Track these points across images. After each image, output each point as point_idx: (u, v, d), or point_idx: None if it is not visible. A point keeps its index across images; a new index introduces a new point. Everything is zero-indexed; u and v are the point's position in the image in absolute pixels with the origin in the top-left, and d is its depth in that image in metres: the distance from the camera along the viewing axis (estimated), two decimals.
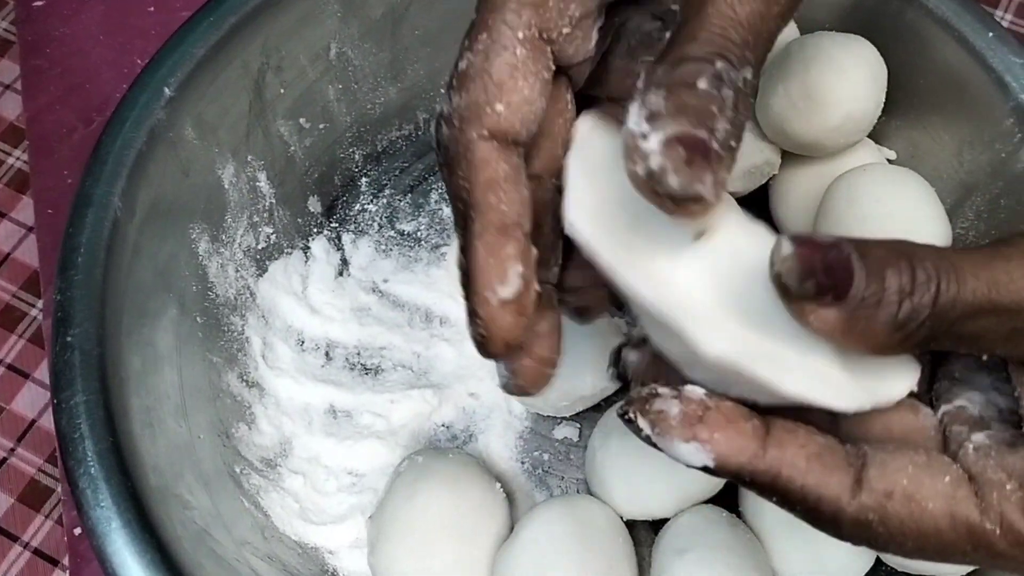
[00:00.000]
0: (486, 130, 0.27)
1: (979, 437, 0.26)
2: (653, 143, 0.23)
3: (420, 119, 0.57)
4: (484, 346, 0.28)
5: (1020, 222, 0.46)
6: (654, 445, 0.26)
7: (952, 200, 0.49)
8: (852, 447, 0.26)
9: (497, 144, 0.27)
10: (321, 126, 0.53)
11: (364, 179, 0.56)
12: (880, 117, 0.49)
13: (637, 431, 0.26)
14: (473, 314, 0.28)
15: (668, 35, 0.26)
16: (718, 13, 0.25)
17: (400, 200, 0.55)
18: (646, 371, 0.30)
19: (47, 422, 0.52)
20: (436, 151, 0.29)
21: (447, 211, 0.55)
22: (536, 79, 0.28)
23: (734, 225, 0.28)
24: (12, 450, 0.52)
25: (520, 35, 0.27)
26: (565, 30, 0.28)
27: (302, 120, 0.52)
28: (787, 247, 0.24)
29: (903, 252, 0.24)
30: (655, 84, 0.24)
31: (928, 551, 0.25)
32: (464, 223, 0.28)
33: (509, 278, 0.28)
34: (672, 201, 0.24)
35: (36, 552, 0.50)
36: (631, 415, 0.27)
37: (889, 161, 0.51)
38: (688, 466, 0.26)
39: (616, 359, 0.31)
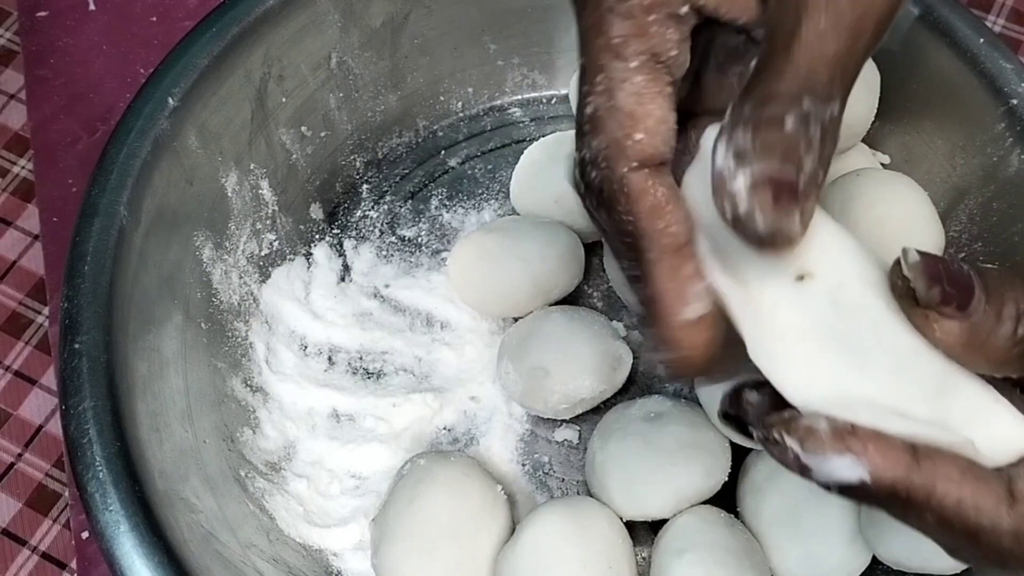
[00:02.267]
0: (634, 161, 0.27)
1: None
2: (740, 183, 0.24)
3: (420, 126, 0.58)
4: (681, 371, 0.28)
5: (1012, 225, 0.47)
6: (801, 468, 0.25)
7: (945, 204, 0.49)
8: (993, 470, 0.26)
9: (648, 171, 0.27)
10: (322, 134, 0.54)
11: (365, 186, 0.56)
12: (873, 122, 0.50)
13: (782, 453, 0.26)
14: (664, 341, 0.28)
15: (753, 50, 0.27)
16: (806, 51, 0.25)
17: (401, 206, 0.56)
18: (769, 414, 0.29)
19: (54, 427, 0.53)
20: (585, 197, 0.29)
21: (447, 217, 0.55)
22: (662, 98, 0.28)
23: (835, 258, 0.28)
24: (20, 455, 0.53)
25: (633, 64, 0.27)
26: (672, 52, 0.28)
27: (304, 128, 0.53)
28: (914, 255, 0.25)
29: (1013, 275, 0.25)
30: (742, 121, 0.25)
31: None
32: (635, 255, 0.28)
33: (695, 297, 0.27)
34: (759, 239, 0.24)
35: (44, 556, 0.50)
36: (775, 436, 0.26)
37: (883, 165, 0.52)
38: (838, 487, 0.25)
39: (732, 401, 0.30)
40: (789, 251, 0.25)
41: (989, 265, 0.27)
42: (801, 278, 0.27)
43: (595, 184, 0.28)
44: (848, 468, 0.25)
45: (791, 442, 0.25)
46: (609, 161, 0.27)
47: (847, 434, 0.25)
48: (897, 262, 0.26)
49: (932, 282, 0.25)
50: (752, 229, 0.24)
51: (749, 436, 0.30)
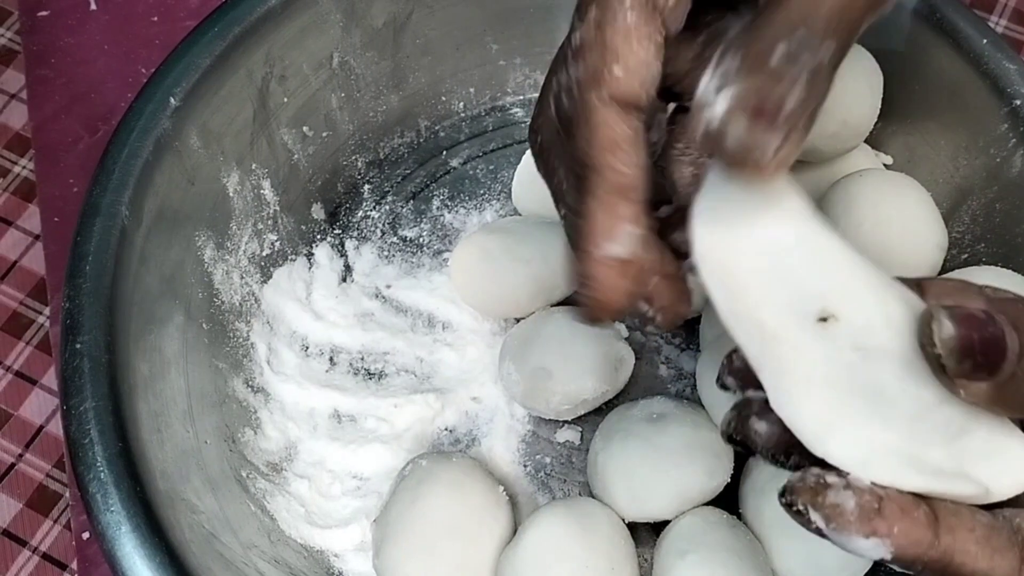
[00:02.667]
0: (606, 94, 0.27)
1: None
2: (720, 104, 0.24)
3: (422, 126, 0.58)
4: (592, 309, 0.28)
5: (1015, 226, 0.46)
6: (825, 536, 0.25)
7: (948, 205, 0.49)
8: (1006, 521, 0.26)
9: (617, 108, 0.27)
10: (324, 134, 0.54)
11: (367, 186, 0.56)
12: (876, 123, 0.50)
13: (807, 523, 0.26)
14: (583, 275, 0.28)
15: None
16: (799, 2, 0.25)
17: (402, 207, 0.56)
18: (777, 444, 0.29)
19: (55, 428, 0.53)
20: (558, 124, 0.29)
21: (448, 217, 0.55)
22: (650, 42, 0.28)
23: (860, 296, 0.27)
24: (20, 456, 0.52)
25: (628, 3, 0.27)
26: (670, 1, 0.28)
27: (305, 128, 0.53)
28: (948, 328, 0.24)
29: None
30: (732, 48, 0.25)
31: None
32: (580, 185, 0.28)
33: (621, 237, 0.27)
34: (730, 155, 0.24)
35: (44, 557, 0.50)
36: (800, 507, 0.26)
37: (886, 166, 0.52)
38: (860, 556, 0.26)
39: (737, 425, 0.30)
40: (758, 178, 0.25)
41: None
42: (824, 320, 0.27)
43: (565, 111, 0.28)
44: (872, 548, 0.25)
45: (816, 517, 0.25)
46: (582, 89, 0.27)
47: (874, 515, 0.25)
48: (927, 322, 0.25)
49: (964, 356, 0.24)
50: (722, 143, 0.24)
51: (752, 454, 0.30)
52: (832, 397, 0.27)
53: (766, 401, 0.28)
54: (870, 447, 0.26)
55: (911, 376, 0.26)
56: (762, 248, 0.27)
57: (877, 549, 0.25)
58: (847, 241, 0.28)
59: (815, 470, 0.26)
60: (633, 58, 0.27)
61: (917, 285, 0.28)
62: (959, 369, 0.25)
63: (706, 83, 0.25)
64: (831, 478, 0.25)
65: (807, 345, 0.27)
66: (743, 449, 0.30)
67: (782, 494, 0.26)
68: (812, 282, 0.27)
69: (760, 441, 0.29)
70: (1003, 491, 0.26)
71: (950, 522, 0.25)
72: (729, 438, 0.30)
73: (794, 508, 0.26)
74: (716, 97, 0.24)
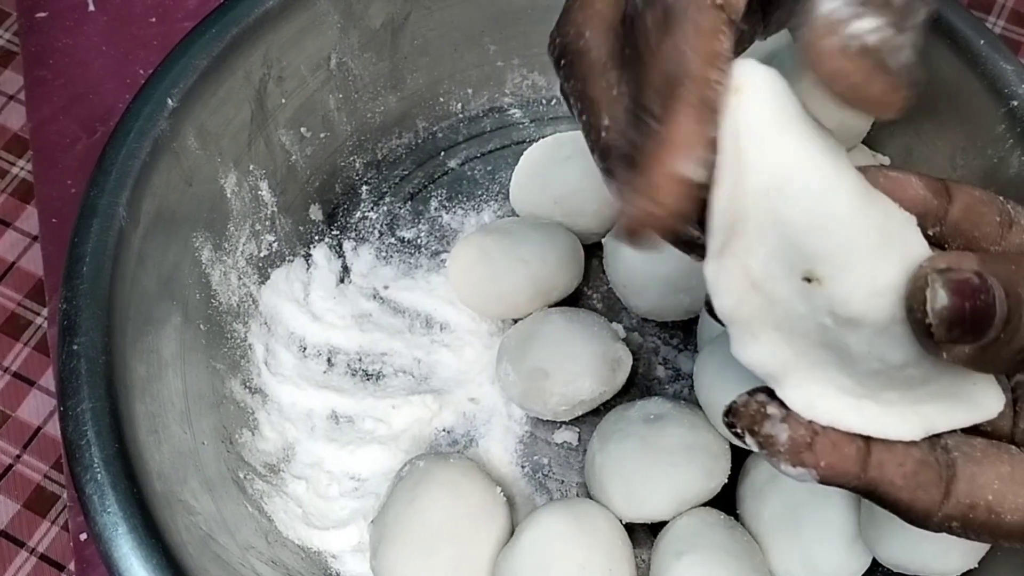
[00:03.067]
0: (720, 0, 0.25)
1: None
2: (871, 20, 0.23)
3: (420, 127, 0.58)
4: (643, 224, 0.26)
5: None
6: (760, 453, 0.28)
7: None
8: (944, 456, 0.27)
9: (724, 18, 0.25)
10: (322, 135, 0.54)
11: (364, 187, 0.56)
12: (874, 123, 0.50)
13: (742, 443, 0.28)
14: (648, 187, 0.25)
15: None
16: None
17: (400, 208, 0.56)
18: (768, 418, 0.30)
19: (52, 429, 0.53)
20: (645, 14, 0.26)
21: (446, 218, 0.55)
22: None
23: (848, 264, 0.27)
24: (18, 457, 0.53)
25: None
26: None
27: (303, 129, 0.53)
28: (943, 299, 0.25)
29: None
30: None
31: (999, 545, 0.28)
32: (666, 90, 0.25)
33: (702, 155, 0.25)
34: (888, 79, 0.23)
35: (42, 558, 0.50)
36: (738, 431, 0.28)
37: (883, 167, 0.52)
38: (788, 476, 0.27)
39: (755, 416, 0.30)
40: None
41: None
42: (808, 280, 0.27)
43: (669, 3, 0.26)
44: (799, 475, 0.27)
45: (750, 441, 0.27)
46: None
47: (804, 449, 0.27)
48: (920, 287, 0.25)
49: (954, 326, 0.25)
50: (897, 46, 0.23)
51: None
52: (797, 345, 0.27)
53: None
54: (822, 390, 0.27)
55: (882, 343, 0.27)
56: (779, 177, 0.26)
57: (803, 477, 0.27)
58: (865, 188, 0.27)
59: (761, 396, 0.27)
60: None
61: (944, 188, 0.29)
62: (947, 336, 0.25)
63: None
64: (772, 409, 0.27)
65: (785, 297, 0.27)
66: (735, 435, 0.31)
67: (726, 413, 0.28)
68: (810, 238, 0.26)
69: (773, 415, 0.30)
70: (951, 426, 0.28)
71: (881, 457, 0.27)
72: (730, 423, 0.31)
73: (733, 429, 0.28)
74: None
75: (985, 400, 0.28)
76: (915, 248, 0.27)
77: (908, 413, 0.28)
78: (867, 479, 0.27)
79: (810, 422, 0.27)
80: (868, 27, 0.23)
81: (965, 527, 0.27)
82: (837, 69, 0.24)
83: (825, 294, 0.26)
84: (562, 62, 0.30)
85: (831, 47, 0.23)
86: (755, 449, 0.27)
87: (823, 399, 0.27)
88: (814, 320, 0.27)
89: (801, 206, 0.26)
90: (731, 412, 0.28)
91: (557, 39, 0.30)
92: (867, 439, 0.27)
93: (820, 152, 0.26)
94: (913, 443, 0.27)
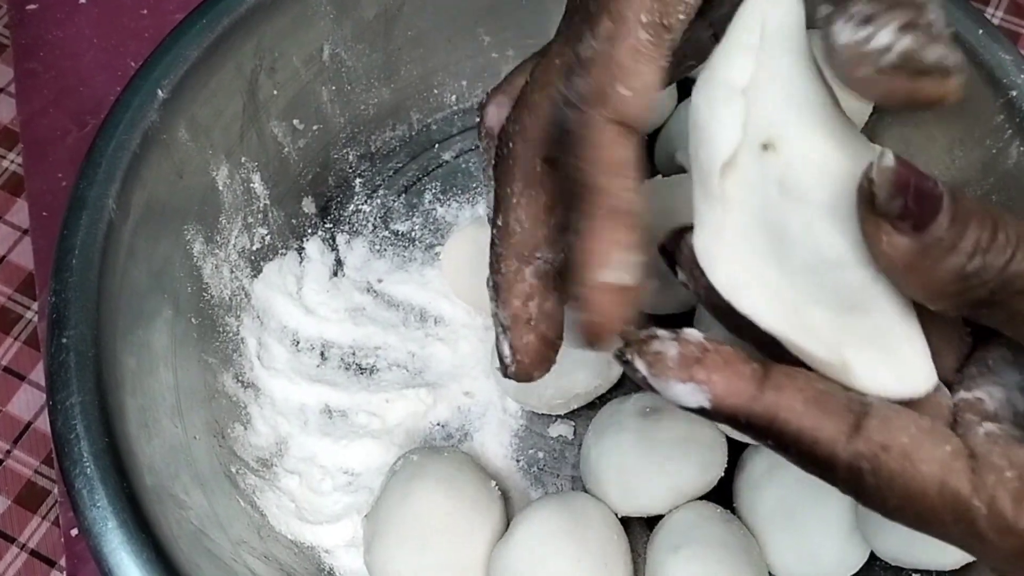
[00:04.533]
0: (610, 113, 0.27)
1: (989, 427, 0.26)
2: (886, 34, 0.23)
3: (413, 119, 0.57)
4: (589, 336, 0.27)
5: None
6: (651, 387, 0.26)
7: None
8: (857, 395, 0.26)
9: (621, 129, 0.27)
10: (315, 127, 0.53)
11: (358, 180, 0.56)
12: (872, 114, 0.49)
13: (633, 371, 0.26)
14: (582, 300, 0.27)
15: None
16: None
17: (394, 200, 0.55)
18: (696, 263, 0.29)
19: (43, 424, 0.52)
20: (555, 134, 0.28)
21: (441, 211, 0.55)
22: (656, 66, 0.27)
23: (809, 134, 0.27)
24: (8, 452, 0.52)
25: (643, 19, 0.27)
26: (680, 17, 0.27)
27: (296, 121, 0.52)
28: (889, 159, 0.24)
29: (991, 211, 0.24)
30: None
31: (909, 513, 0.25)
32: (579, 206, 0.27)
33: (620, 263, 0.26)
34: (931, 76, 0.23)
35: (33, 553, 0.50)
36: (628, 356, 0.26)
37: None
38: (685, 408, 0.26)
39: (674, 239, 0.31)
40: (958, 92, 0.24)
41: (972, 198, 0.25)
42: (766, 147, 0.27)
43: (568, 125, 0.27)
44: (689, 394, 0.25)
45: (640, 364, 0.26)
46: (590, 104, 0.27)
47: (693, 363, 0.25)
48: (870, 162, 0.25)
49: (896, 192, 0.23)
50: (925, 61, 0.23)
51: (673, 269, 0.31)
52: (739, 223, 0.27)
53: None
54: (751, 276, 0.26)
55: (822, 229, 0.26)
56: (746, 58, 0.27)
57: (695, 395, 0.25)
58: (831, 91, 0.27)
59: (653, 328, 0.27)
60: (641, 81, 0.27)
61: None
62: (887, 205, 0.24)
63: (845, 25, 0.24)
64: (662, 332, 0.26)
65: (741, 168, 0.27)
66: (668, 263, 0.31)
67: (618, 352, 0.27)
68: (772, 108, 0.26)
69: (684, 256, 0.30)
70: (869, 386, 0.26)
71: (780, 380, 0.25)
72: (662, 248, 0.31)
73: (623, 358, 0.27)
74: (877, 32, 0.23)
75: (912, 372, 0.26)
76: (870, 158, 0.26)
77: (830, 344, 0.26)
78: (765, 403, 0.25)
79: (702, 340, 0.26)
80: (889, 40, 0.23)
81: (876, 474, 0.24)
82: (883, 91, 0.24)
83: (778, 160, 0.26)
84: (495, 153, 0.31)
85: (867, 75, 0.24)
86: (643, 370, 0.26)
87: (749, 289, 0.26)
88: (763, 192, 0.26)
89: (769, 81, 0.27)
90: (623, 344, 0.27)
91: (486, 114, 0.32)
92: (763, 363, 0.26)
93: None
94: (814, 373, 0.26)
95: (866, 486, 0.25)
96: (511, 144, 0.30)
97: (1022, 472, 0.24)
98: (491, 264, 0.31)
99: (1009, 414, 0.27)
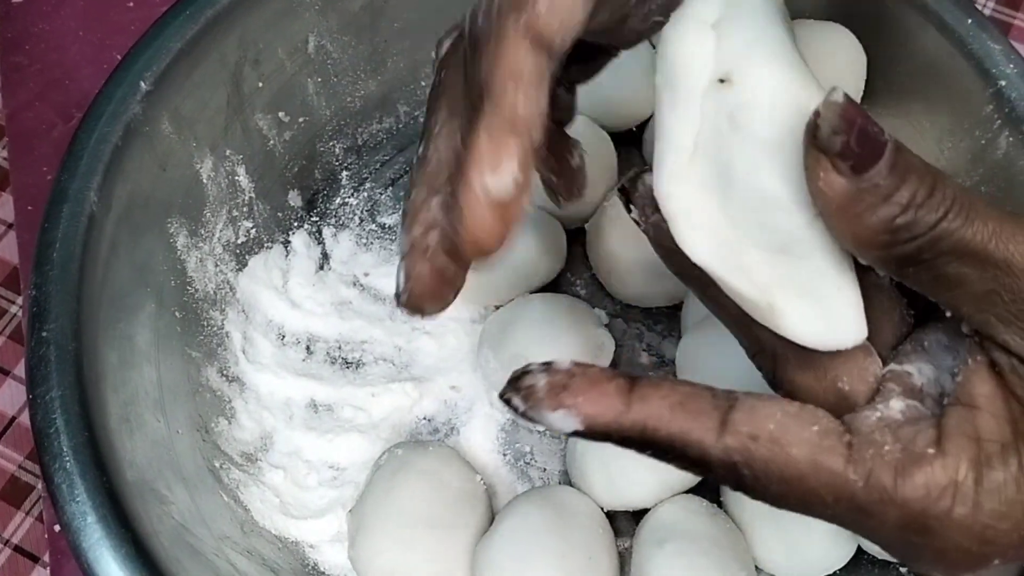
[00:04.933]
0: (523, 24, 0.26)
1: (906, 402, 0.27)
2: None
3: (400, 112, 0.57)
4: (457, 244, 0.26)
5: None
6: (531, 420, 0.26)
7: None
8: (723, 392, 0.26)
9: (530, 44, 0.26)
10: (300, 120, 0.53)
11: (344, 172, 0.56)
12: (860, 105, 0.49)
13: (515, 410, 0.26)
14: (460, 207, 0.26)
15: None
16: None
17: (381, 193, 0.55)
18: (652, 200, 0.29)
19: (26, 419, 0.52)
20: (466, 42, 0.27)
21: None
22: None
23: (763, 71, 0.27)
24: None
25: None
26: None
27: (281, 114, 0.52)
28: (839, 95, 0.24)
29: (932, 170, 0.24)
30: None
31: (792, 498, 0.25)
32: (472, 114, 0.26)
33: (504, 173, 0.26)
34: None
35: (16, 549, 0.50)
36: (508, 396, 0.27)
37: None
38: (563, 434, 0.26)
39: (632, 179, 0.31)
40: None
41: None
42: (722, 81, 0.27)
43: (477, 29, 0.26)
44: (562, 420, 0.26)
45: (517, 401, 0.26)
46: (499, 13, 0.26)
47: (561, 390, 0.26)
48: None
49: (840, 128, 0.23)
50: None
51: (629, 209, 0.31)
52: (689, 157, 0.27)
53: None
54: (696, 210, 0.27)
55: (765, 168, 0.26)
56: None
57: (567, 420, 0.26)
58: (792, 35, 0.28)
59: (528, 365, 0.27)
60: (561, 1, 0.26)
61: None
62: (828, 142, 0.24)
63: None
64: (533, 365, 0.27)
65: (695, 102, 0.27)
66: (625, 204, 0.31)
67: (501, 393, 0.27)
68: (733, 43, 0.27)
69: (639, 196, 0.31)
70: (795, 332, 0.26)
71: (645, 391, 0.26)
72: (620, 188, 0.31)
73: (505, 397, 0.27)
74: None
75: (841, 322, 0.26)
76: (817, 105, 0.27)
77: (761, 286, 0.26)
78: (632, 416, 0.25)
79: (571, 367, 0.26)
80: None
81: (750, 465, 0.25)
82: None
83: (731, 94, 0.26)
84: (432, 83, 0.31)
85: None
86: (520, 406, 0.26)
87: (689, 222, 0.27)
88: (715, 125, 0.27)
89: (744, 20, 0.27)
90: (505, 389, 0.27)
91: (437, 46, 0.31)
92: (631, 380, 0.26)
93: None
94: (680, 380, 0.26)
95: (744, 478, 0.25)
96: (442, 73, 0.30)
97: (907, 446, 0.25)
98: (405, 192, 0.30)
99: (935, 392, 0.27)
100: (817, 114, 0.24)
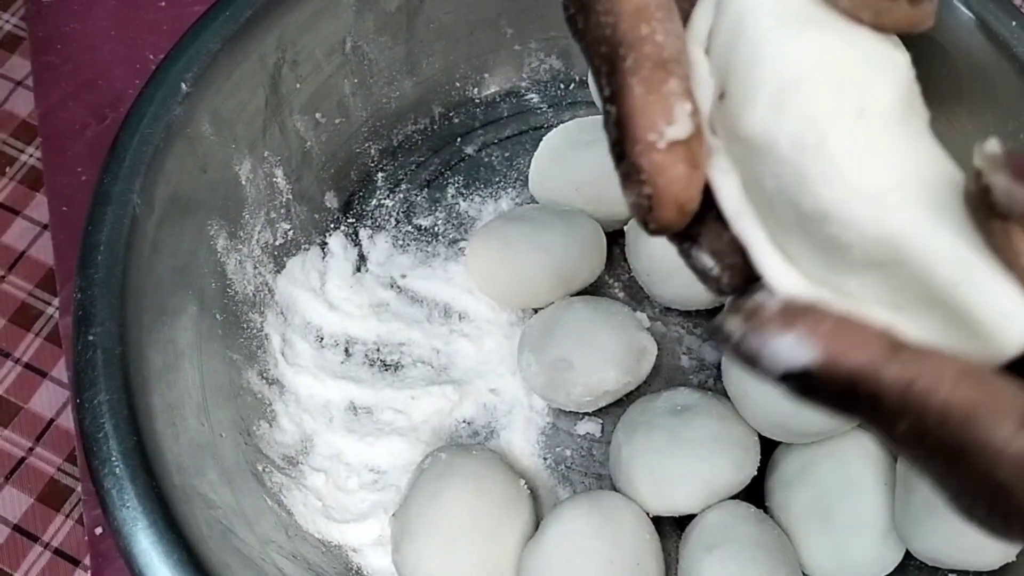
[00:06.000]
0: None
1: None
2: None
3: (436, 113, 0.57)
4: (653, 210, 0.23)
5: None
6: (744, 357, 0.21)
7: None
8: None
9: None
10: (337, 121, 0.53)
11: (380, 174, 0.55)
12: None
13: (725, 340, 0.22)
14: (633, 171, 0.23)
15: None
16: None
17: (416, 195, 0.55)
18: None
19: (65, 421, 0.52)
20: (573, 10, 0.25)
21: (464, 205, 0.54)
22: None
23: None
24: (31, 449, 0.52)
25: None
26: None
27: (318, 115, 0.52)
28: (995, 146, 0.19)
29: None
30: None
31: None
32: (611, 67, 0.24)
33: (677, 116, 0.23)
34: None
35: (57, 552, 0.49)
36: (720, 323, 0.22)
37: None
38: (784, 376, 0.21)
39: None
40: None
41: None
42: (722, 97, 0.24)
43: None
44: (794, 349, 0.20)
45: (733, 324, 0.22)
46: None
47: (799, 312, 0.21)
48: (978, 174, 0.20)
49: (1019, 180, 0.19)
50: None
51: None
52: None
53: None
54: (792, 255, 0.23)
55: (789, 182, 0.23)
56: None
57: (798, 349, 0.20)
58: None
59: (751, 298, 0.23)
60: None
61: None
62: (1009, 202, 0.19)
63: None
64: (761, 294, 0.22)
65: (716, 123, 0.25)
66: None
67: (712, 328, 0.23)
68: (721, 54, 0.25)
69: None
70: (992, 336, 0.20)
71: (916, 347, 0.20)
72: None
73: (716, 326, 0.23)
74: None
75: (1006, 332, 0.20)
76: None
77: (893, 306, 0.21)
78: (899, 367, 0.20)
79: (811, 300, 0.22)
80: None
81: None
82: (854, 4, 0.24)
83: (729, 108, 0.24)
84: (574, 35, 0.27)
85: None
86: (735, 329, 0.22)
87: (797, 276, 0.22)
88: (731, 147, 0.24)
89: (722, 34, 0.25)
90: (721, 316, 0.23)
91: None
92: (893, 332, 0.21)
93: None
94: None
95: None
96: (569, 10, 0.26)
97: None
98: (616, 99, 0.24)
99: None
100: (978, 175, 0.20)
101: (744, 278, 0.24)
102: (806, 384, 0.20)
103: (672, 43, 0.24)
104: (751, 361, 0.21)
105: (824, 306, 0.21)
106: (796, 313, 0.21)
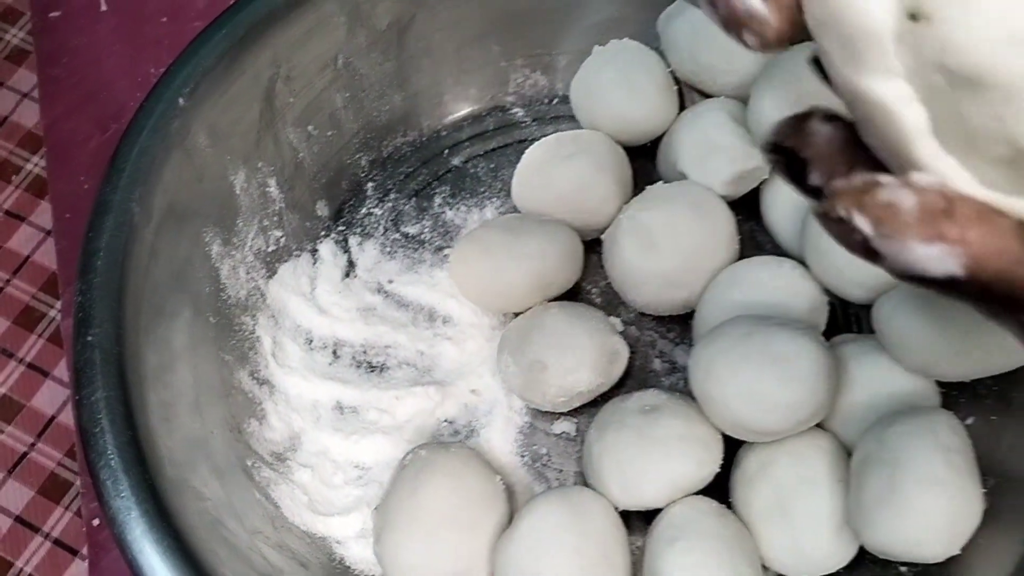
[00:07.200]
0: None
1: None
2: None
3: (424, 126, 0.59)
4: (763, 21, 0.21)
5: None
6: (869, 253, 0.20)
7: None
8: None
9: None
10: (329, 133, 0.55)
11: (370, 184, 0.58)
12: None
13: (846, 234, 0.20)
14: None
15: None
16: None
17: (405, 204, 0.57)
18: (833, 156, 0.23)
19: (66, 418, 0.54)
20: None
21: (450, 214, 0.57)
22: None
23: None
24: (32, 445, 0.54)
25: None
26: None
27: (310, 127, 0.54)
28: None
29: None
30: None
31: None
32: None
33: None
34: None
35: (56, 542, 0.52)
36: (842, 212, 0.20)
37: None
38: (920, 278, 0.19)
39: (790, 129, 0.23)
40: None
41: None
42: (915, 18, 0.20)
43: None
44: (936, 260, 0.19)
45: (861, 222, 0.20)
46: None
47: (940, 215, 0.19)
48: None
49: None
50: None
51: (796, 180, 0.23)
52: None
53: (835, 115, 0.23)
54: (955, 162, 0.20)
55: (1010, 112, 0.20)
56: None
57: (943, 260, 0.19)
58: None
59: (865, 174, 0.20)
60: None
61: None
62: None
63: None
64: (884, 178, 0.20)
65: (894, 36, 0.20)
66: (786, 166, 0.23)
67: (818, 207, 0.21)
68: None
69: (816, 144, 0.23)
70: None
71: None
72: (773, 147, 0.24)
73: (833, 216, 0.20)
74: None
75: None
76: None
77: None
78: None
79: (942, 191, 0.19)
80: None
81: None
82: None
83: (932, 35, 0.20)
84: None
85: None
86: (868, 230, 0.20)
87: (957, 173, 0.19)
88: (921, 80, 0.20)
89: None
90: (829, 196, 0.20)
91: None
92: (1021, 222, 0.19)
93: None
94: None
95: None
96: None
97: None
98: None
99: None
100: None
101: (791, 24, 0.22)
102: (943, 287, 0.20)
103: None
104: (875, 258, 0.20)
105: (959, 199, 0.19)
106: (938, 218, 0.19)
